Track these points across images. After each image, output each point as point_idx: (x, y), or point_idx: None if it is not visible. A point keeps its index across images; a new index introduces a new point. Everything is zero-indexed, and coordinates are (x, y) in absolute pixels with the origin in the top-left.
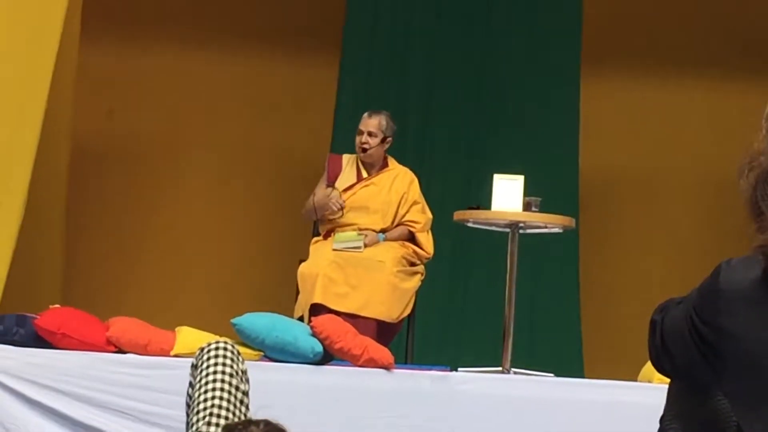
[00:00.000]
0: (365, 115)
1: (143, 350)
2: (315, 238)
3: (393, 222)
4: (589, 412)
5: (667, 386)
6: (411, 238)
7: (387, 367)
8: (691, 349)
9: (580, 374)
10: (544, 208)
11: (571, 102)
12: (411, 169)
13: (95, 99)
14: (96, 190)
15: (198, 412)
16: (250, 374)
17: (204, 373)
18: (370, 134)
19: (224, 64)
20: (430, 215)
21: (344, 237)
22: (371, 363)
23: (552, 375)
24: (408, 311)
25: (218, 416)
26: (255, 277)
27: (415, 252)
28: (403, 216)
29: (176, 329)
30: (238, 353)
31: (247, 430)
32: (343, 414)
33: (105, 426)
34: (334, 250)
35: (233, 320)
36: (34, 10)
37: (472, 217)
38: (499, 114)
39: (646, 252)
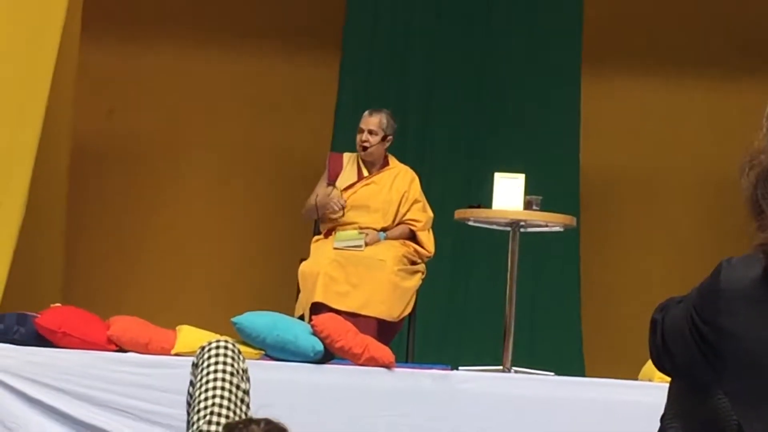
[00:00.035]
0: (366, 113)
1: (144, 349)
2: (316, 237)
3: (394, 221)
4: (589, 410)
5: (667, 385)
6: (412, 236)
7: (388, 366)
8: (692, 348)
9: (580, 373)
10: (544, 208)
11: (571, 102)
12: (411, 169)
13: (95, 99)
14: (96, 190)
15: (199, 411)
16: (250, 373)
17: (205, 371)
18: (370, 132)
19: (224, 64)
20: (431, 214)
21: (345, 236)
22: (372, 362)
23: (553, 374)
24: (409, 310)
25: (219, 415)
26: (255, 277)
27: (416, 251)
28: (404, 215)
29: (177, 328)
30: (239, 352)
31: (247, 428)
32: (343, 413)
33: (106, 425)
34: (335, 248)
35: (234, 319)
36: (35, 10)
37: (473, 216)
38: (499, 114)
39: (647, 252)
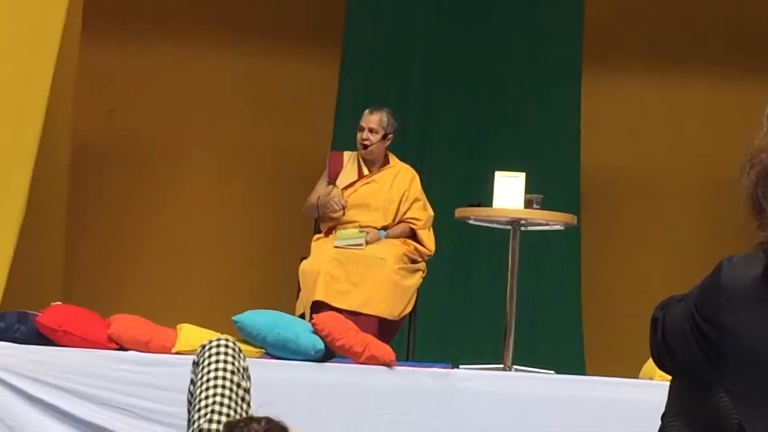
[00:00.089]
0: (366, 111)
1: (145, 347)
2: (316, 236)
3: (394, 219)
4: (590, 409)
5: (668, 384)
6: (412, 235)
7: (388, 365)
8: (693, 347)
9: (581, 371)
10: (545, 207)
11: (572, 101)
12: (412, 167)
13: (95, 98)
14: (96, 190)
15: (199, 410)
16: (251, 371)
17: (205, 370)
18: (371, 131)
19: (224, 64)
20: (431, 212)
21: (346, 234)
22: (373, 360)
23: (553, 372)
24: (409, 308)
25: (220, 413)
26: (255, 278)
27: (416, 249)
28: (405, 213)
29: (177, 326)
30: (240, 350)
31: (248, 427)
32: (344, 411)
33: (106, 423)
34: (336, 247)
35: (234, 317)
36: (35, 9)
37: (474, 215)
38: (499, 114)
39: (647, 251)
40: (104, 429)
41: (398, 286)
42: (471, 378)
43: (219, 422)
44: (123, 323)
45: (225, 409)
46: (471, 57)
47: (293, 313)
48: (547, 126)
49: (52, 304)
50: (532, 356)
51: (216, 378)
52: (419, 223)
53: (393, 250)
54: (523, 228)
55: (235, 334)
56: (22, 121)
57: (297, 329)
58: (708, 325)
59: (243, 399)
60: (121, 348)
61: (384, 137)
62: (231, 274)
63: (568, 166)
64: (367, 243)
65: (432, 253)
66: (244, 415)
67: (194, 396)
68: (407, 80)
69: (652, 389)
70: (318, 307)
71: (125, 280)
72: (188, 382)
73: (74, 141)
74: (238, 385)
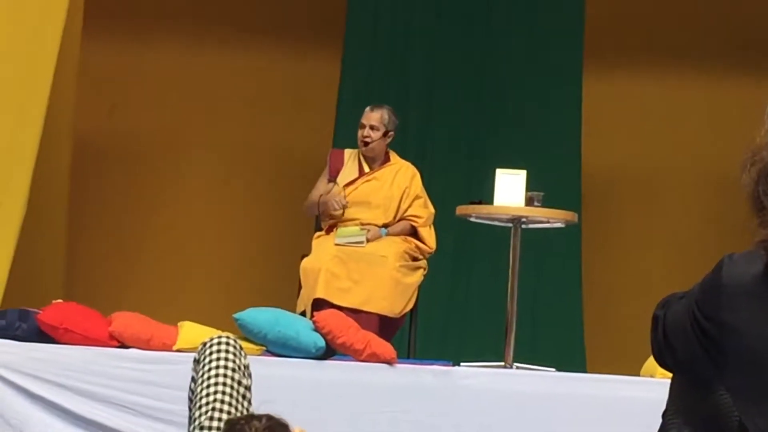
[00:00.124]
0: (367, 108)
1: (146, 345)
2: (317, 233)
3: (395, 217)
4: (591, 406)
5: (669, 381)
6: (413, 232)
7: (389, 362)
8: (693, 344)
9: (582, 369)
10: (546, 206)
11: (573, 101)
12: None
13: (96, 97)
14: (96, 189)
15: (200, 407)
16: (252, 369)
17: (206, 368)
18: (372, 128)
19: (225, 63)
20: (432, 210)
21: (347, 232)
22: (374, 358)
23: (554, 370)
24: (410, 306)
25: (221, 411)
26: (255, 277)
27: (417, 247)
28: (406, 211)
29: (178, 324)
30: (241, 348)
31: (249, 424)
32: (345, 409)
33: (107, 421)
34: (337, 245)
35: (235, 315)
36: (35, 9)
37: (475, 212)
38: (499, 114)
39: (647, 250)
40: (105, 426)
41: (399, 284)
42: (472, 375)
43: (220, 420)
44: (124, 321)
45: (226, 407)
46: (471, 57)
47: (294, 311)
48: (548, 125)
49: (53, 301)
50: (533, 354)
51: (217, 375)
52: (420, 221)
53: (394, 247)
54: (524, 225)
55: (236, 332)
56: (22, 120)
57: (298, 327)
58: (709, 322)
59: (244, 396)
60: (122, 345)
61: (385, 134)
62: (231, 274)
63: (569, 165)
64: (368, 240)
65: (433, 250)
66: (245, 412)
67: (195, 393)
68: (407, 80)
69: (653, 387)
70: (319, 304)
71: (125, 280)
72: (189, 379)
73: (75, 139)
74: (239, 383)
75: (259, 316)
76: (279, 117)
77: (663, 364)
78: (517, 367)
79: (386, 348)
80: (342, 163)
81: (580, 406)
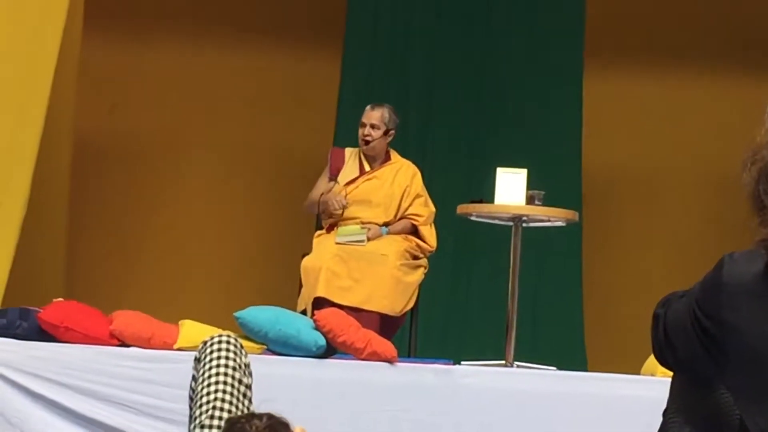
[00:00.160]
0: (368, 107)
1: (146, 344)
2: (318, 232)
3: (396, 215)
4: (591, 405)
5: (669, 380)
6: (414, 231)
7: (390, 361)
8: (694, 342)
9: (582, 368)
10: (546, 204)
11: (573, 101)
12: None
13: (96, 96)
14: (96, 189)
15: (201, 406)
16: (253, 368)
17: (207, 366)
18: (372, 126)
19: (225, 62)
20: (433, 208)
21: (347, 231)
22: (374, 356)
23: (555, 369)
24: (411, 305)
25: (221, 410)
26: (255, 277)
27: (418, 245)
28: (406, 209)
29: (179, 323)
30: (241, 346)
31: (250, 423)
32: (346, 407)
33: (108, 419)
34: (337, 243)
35: (236, 313)
36: (36, 9)
37: (475, 211)
38: (499, 114)
39: (648, 249)
40: (106, 425)
41: (400, 283)
42: (472, 374)
43: (220, 418)
44: (125, 319)
45: (226, 406)
46: (471, 57)
47: (295, 310)
48: (548, 125)
49: (54, 300)
50: (533, 352)
51: (218, 374)
52: (421, 219)
53: (395, 246)
54: (524, 224)
55: (236, 331)
56: (22, 120)
57: (298, 325)
58: (709, 321)
59: (244, 395)
60: (123, 344)
61: (385, 133)
62: (231, 274)
63: (570, 165)
64: (368, 239)
65: (434, 249)
66: (245, 411)
67: (196, 392)
68: (407, 80)
69: (654, 386)
70: (319, 303)
71: (126, 280)
72: (190, 378)
73: (75, 140)
74: (240, 382)
75: (260, 315)
76: (279, 117)
77: (663, 362)
78: (518, 366)
79: (387, 347)
80: (343, 162)
81: (581, 405)
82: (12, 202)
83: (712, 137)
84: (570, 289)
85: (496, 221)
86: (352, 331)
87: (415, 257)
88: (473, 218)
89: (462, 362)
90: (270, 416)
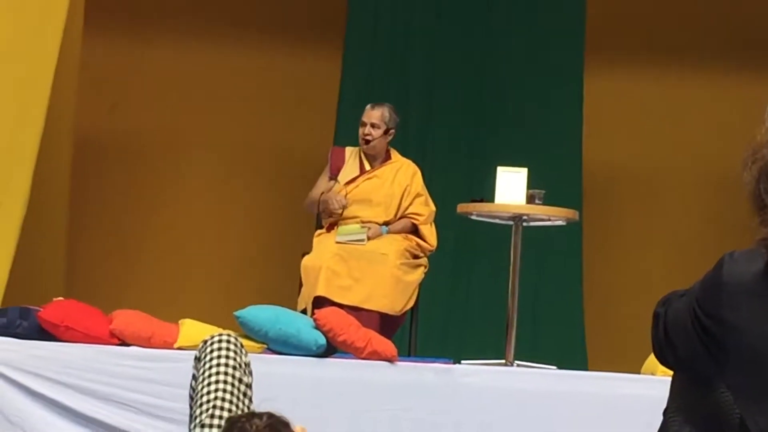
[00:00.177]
0: (368, 106)
1: (146, 343)
2: (318, 231)
3: (396, 214)
4: (592, 404)
5: (670, 379)
6: (414, 230)
7: (390, 360)
8: (694, 341)
9: (583, 367)
10: (547, 204)
11: (574, 100)
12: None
13: (97, 96)
14: (97, 188)
15: (201, 405)
16: (253, 367)
17: (207, 365)
18: (373, 125)
19: (225, 62)
20: (433, 207)
21: (347, 230)
22: (374, 356)
23: (555, 368)
24: (411, 304)
25: (221, 409)
26: (255, 277)
27: (418, 244)
28: (406, 208)
29: (179, 322)
30: (242, 346)
31: (250, 422)
32: (346, 407)
33: (108, 418)
34: (338, 242)
35: (236, 313)
36: (36, 8)
37: (476, 210)
38: (499, 114)
39: (648, 249)
40: (106, 424)
41: (400, 282)
42: (473, 373)
43: (221, 417)
44: (125, 318)
45: (227, 405)
46: (471, 57)
47: (295, 309)
48: (548, 125)
49: (54, 299)
50: (534, 352)
51: (218, 373)
52: (421, 219)
53: (395, 245)
54: (525, 223)
55: (236, 330)
56: (22, 120)
57: (299, 324)
58: (709, 320)
59: (245, 394)
60: (123, 343)
61: (386, 132)
62: (231, 273)
63: (570, 164)
64: (368, 238)
65: (434, 248)
66: (245, 410)
67: (196, 391)
68: (407, 80)
69: (654, 385)
70: (320, 302)
71: (126, 279)
72: (190, 377)
73: (75, 139)
74: (240, 381)
75: (260, 314)
76: (279, 117)
77: (664, 361)
78: (518, 365)
79: (387, 346)
80: (343, 161)
81: (581, 404)
82: (12, 202)
83: (712, 137)
84: (570, 288)
85: (497, 220)
86: (353, 331)
87: (416, 256)
88: (473, 217)
89: (462, 361)
90: (270, 415)
